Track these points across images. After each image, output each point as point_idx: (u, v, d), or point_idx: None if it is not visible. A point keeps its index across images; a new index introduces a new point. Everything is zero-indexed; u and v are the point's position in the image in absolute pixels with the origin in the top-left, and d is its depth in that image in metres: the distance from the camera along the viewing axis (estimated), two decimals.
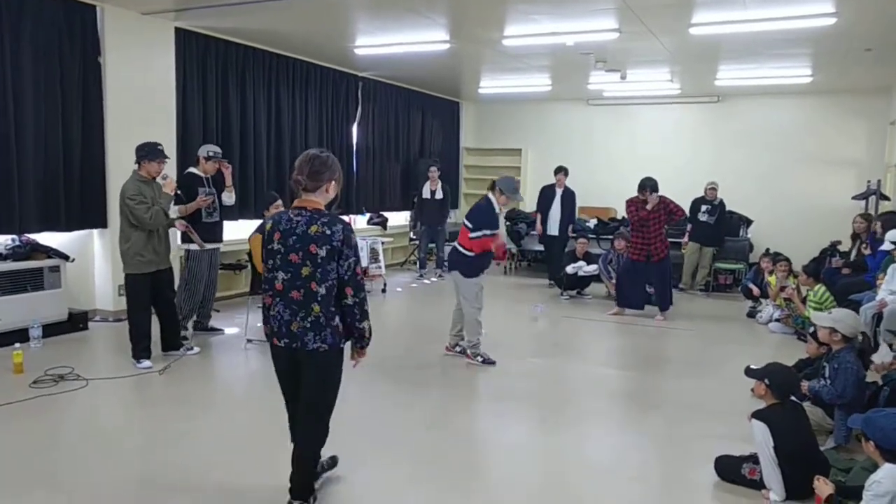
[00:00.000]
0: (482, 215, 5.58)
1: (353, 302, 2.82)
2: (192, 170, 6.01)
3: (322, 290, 2.78)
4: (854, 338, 4.11)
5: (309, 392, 2.95)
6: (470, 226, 5.55)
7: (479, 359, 5.64)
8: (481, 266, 5.65)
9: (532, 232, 10.39)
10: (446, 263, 6.10)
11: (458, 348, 5.86)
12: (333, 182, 2.88)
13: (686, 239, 9.52)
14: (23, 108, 5.82)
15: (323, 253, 2.75)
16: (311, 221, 2.78)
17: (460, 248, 5.63)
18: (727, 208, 9.65)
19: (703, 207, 9.36)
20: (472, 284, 5.60)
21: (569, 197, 9.55)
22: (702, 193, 9.54)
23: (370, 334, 2.95)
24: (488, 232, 5.51)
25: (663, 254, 7.59)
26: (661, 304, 7.71)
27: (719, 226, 9.44)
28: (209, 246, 5.92)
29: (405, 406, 4.70)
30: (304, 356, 2.86)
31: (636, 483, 3.61)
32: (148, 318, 5.35)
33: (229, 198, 6.15)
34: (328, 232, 2.75)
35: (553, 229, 9.55)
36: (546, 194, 9.69)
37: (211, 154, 5.98)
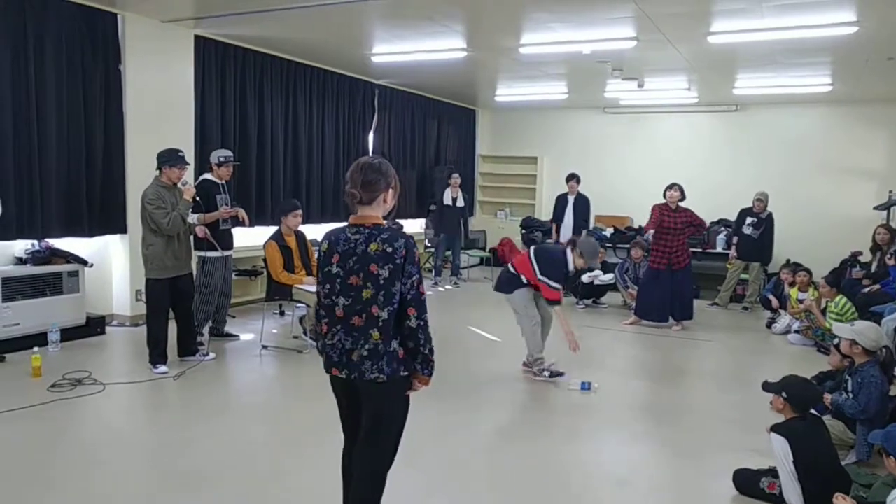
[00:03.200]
0: (552, 267, 5.37)
1: (417, 325, 2.51)
2: (207, 176, 6.06)
3: (384, 315, 2.49)
4: (877, 351, 4.05)
5: (368, 426, 2.64)
6: (537, 270, 5.34)
7: (546, 373, 5.46)
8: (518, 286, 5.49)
9: (547, 241, 10.36)
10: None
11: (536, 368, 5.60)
12: (391, 190, 2.65)
13: (733, 252, 8.96)
14: (46, 115, 5.89)
15: (385, 273, 2.47)
16: (370, 239, 2.51)
17: (515, 272, 5.48)
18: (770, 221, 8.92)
19: (749, 220, 8.82)
20: (518, 296, 5.45)
21: (581, 203, 9.55)
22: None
23: (434, 359, 2.62)
24: (552, 283, 5.32)
25: (684, 263, 7.53)
26: (679, 314, 7.63)
27: (764, 240, 8.81)
28: (207, 254, 5.94)
29: (417, 413, 4.67)
30: (362, 387, 2.58)
31: (653, 495, 3.57)
32: (165, 324, 5.39)
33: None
34: (389, 249, 2.48)
35: (566, 237, 9.51)
36: (560, 203, 9.71)
37: (222, 159, 6.02)
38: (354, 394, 2.64)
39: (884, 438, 2.94)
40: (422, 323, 2.53)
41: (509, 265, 5.64)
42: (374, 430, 2.64)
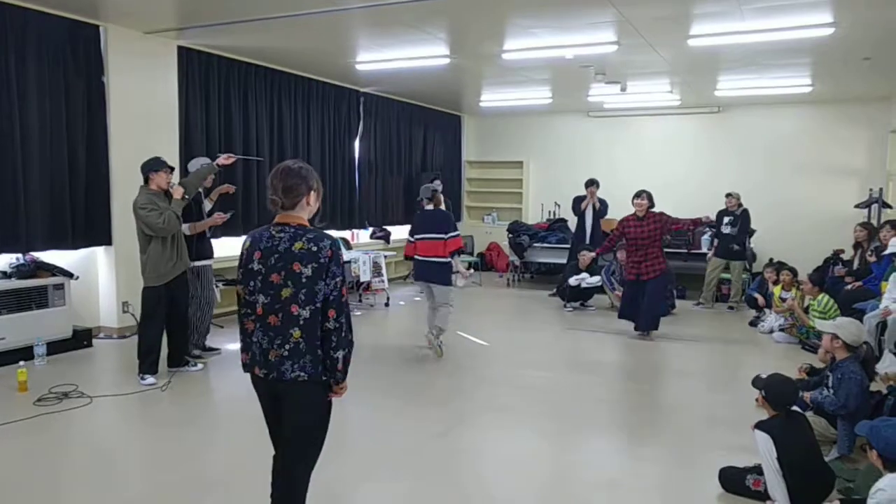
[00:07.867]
0: (451, 219, 6.40)
1: (334, 326, 2.49)
2: None
3: (305, 314, 2.47)
4: (857, 347, 4.10)
5: (289, 430, 2.60)
6: (447, 233, 6.18)
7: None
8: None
9: (534, 244, 10.48)
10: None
11: (438, 341, 6.38)
12: (313, 193, 2.62)
13: (711, 252, 9.19)
14: (28, 128, 5.87)
15: (308, 272, 2.46)
16: (295, 238, 2.51)
17: (438, 260, 6.17)
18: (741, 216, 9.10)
19: (726, 219, 9.03)
20: (448, 291, 6.25)
21: (601, 206, 9.65)
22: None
23: (345, 366, 2.55)
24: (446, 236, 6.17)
25: (654, 274, 7.14)
26: (641, 323, 7.27)
27: (741, 236, 9.00)
28: (200, 263, 5.90)
29: (407, 419, 4.69)
30: (282, 388, 2.54)
31: (639, 494, 3.59)
32: (159, 333, 5.38)
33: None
34: (314, 248, 2.48)
35: (586, 239, 9.65)
36: (578, 203, 9.82)
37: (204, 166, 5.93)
38: (275, 396, 2.61)
39: (869, 432, 2.98)
40: (338, 325, 2.50)
41: (426, 258, 6.20)
42: (297, 438, 2.61)
